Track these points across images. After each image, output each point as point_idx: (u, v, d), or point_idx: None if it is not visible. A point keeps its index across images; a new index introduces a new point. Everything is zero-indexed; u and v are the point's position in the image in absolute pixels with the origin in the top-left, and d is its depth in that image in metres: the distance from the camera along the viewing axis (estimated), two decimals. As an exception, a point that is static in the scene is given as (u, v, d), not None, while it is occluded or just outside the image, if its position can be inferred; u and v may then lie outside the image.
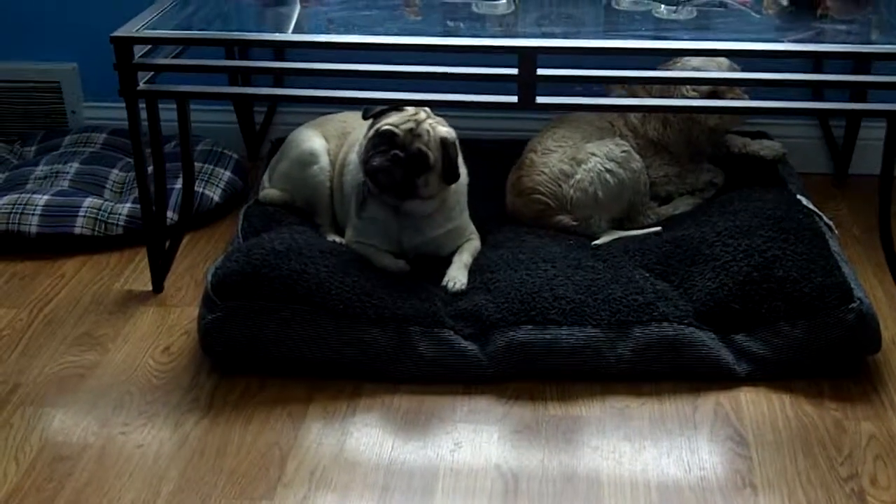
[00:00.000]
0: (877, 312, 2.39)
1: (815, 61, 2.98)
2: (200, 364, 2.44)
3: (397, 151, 2.49)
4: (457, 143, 2.56)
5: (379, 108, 2.55)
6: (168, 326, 2.59)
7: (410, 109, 2.53)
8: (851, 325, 2.34)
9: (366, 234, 2.63)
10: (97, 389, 2.37)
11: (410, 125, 2.50)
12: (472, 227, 2.72)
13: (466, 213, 2.70)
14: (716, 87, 2.72)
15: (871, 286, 2.67)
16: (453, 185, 2.60)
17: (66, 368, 2.44)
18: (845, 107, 2.90)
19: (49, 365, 2.45)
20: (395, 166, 2.50)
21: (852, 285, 2.39)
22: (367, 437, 2.22)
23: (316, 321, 2.37)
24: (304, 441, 2.20)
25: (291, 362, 2.39)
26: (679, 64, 2.76)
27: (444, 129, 2.55)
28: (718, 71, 2.71)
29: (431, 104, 2.52)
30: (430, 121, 2.53)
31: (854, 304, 2.35)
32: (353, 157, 2.66)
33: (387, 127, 2.51)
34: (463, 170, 2.64)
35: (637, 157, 2.81)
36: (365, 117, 2.58)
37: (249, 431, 2.23)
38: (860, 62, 2.86)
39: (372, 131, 2.54)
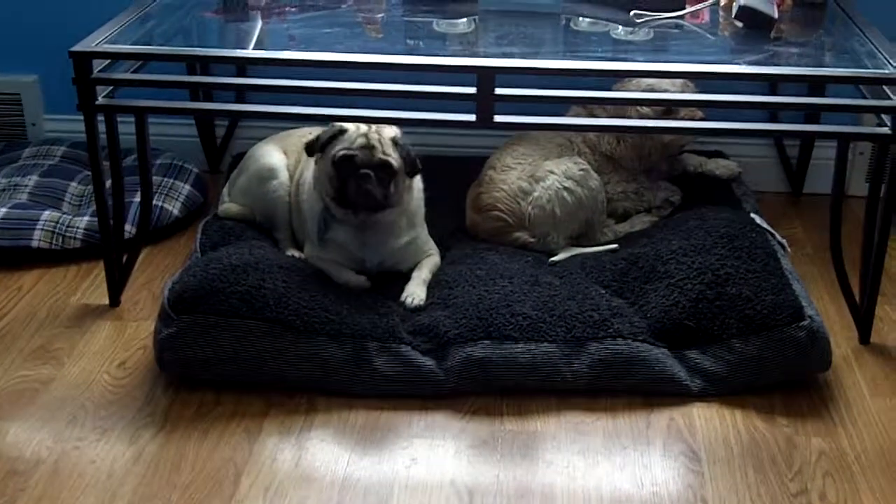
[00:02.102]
0: (828, 330, 2.43)
1: (771, 83, 3.03)
2: (156, 379, 2.43)
3: (365, 171, 2.51)
4: (402, 136, 2.57)
5: (320, 137, 2.55)
6: (124, 341, 2.58)
7: (350, 127, 2.54)
8: (802, 343, 2.37)
9: (326, 252, 2.64)
10: (51, 404, 2.36)
11: (362, 141, 2.52)
12: (431, 243, 2.74)
13: (425, 227, 2.73)
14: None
15: (823, 304, 2.72)
16: (413, 191, 2.63)
17: (20, 382, 2.43)
18: (798, 128, 2.95)
19: (3, 379, 2.44)
20: (371, 185, 2.51)
21: (803, 303, 2.43)
22: (322, 453, 2.22)
23: (273, 336, 2.37)
24: (259, 456, 2.20)
25: (248, 377, 2.39)
26: (633, 83, 2.80)
27: (389, 131, 2.56)
28: (671, 88, 2.75)
29: (391, 122, 2.54)
30: (373, 129, 2.55)
31: (805, 322, 2.38)
32: (308, 177, 2.67)
33: (343, 153, 2.52)
34: (417, 178, 2.66)
35: (595, 175, 2.84)
36: (311, 153, 2.59)
37: (204, 447, 2.22)
38: (814, 85, 2.90)
39: (329, 163, 2.55)
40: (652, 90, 2.74)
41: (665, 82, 2.74)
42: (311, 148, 2.59)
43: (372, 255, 2.65)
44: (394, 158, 2.53)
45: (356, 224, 2.61)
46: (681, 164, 3.05)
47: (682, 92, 2.75)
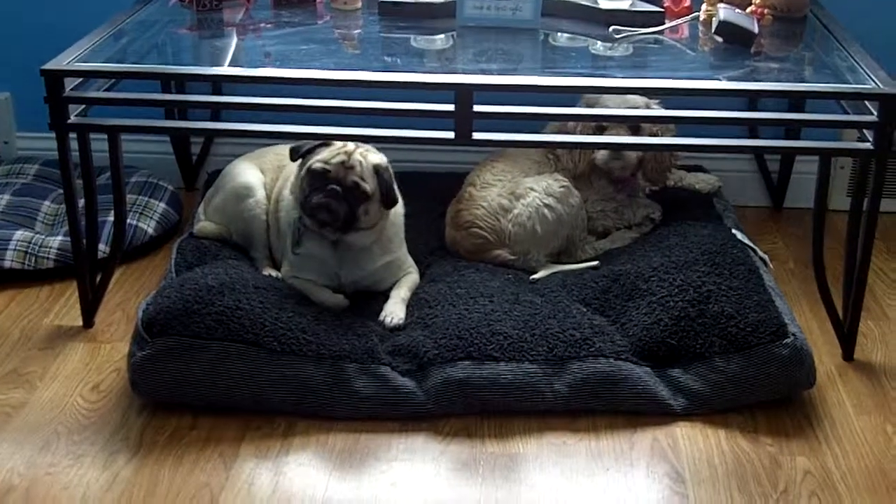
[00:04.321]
0: (811, 347, 2.42)
1: (751, 98, 3.02)
2: (130, 402, 2.39)
3: (334, 186, 2.48)
4: (389, 167, 2.56)
5: (306, 145, 2.54)
6: (98, 363, 2.53)
7: (338, 143, 2.52)
8: (786, 361, 2.36)
9: (303, 269, 2.61)
10: (23, 429, 2.31)
11: (342, 158, 2.50)
12: (410, 261, 2.71)
13: (404, 246, 2.70)
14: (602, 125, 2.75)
15: (806, 320, 2.70)
16: (390, 217, 2.60)
17: (-9, 407, 2.38)
18: (780, 144, 2.94)
19: (-26, 404, 2.39)
20: (335, 201, 2.49)
21: (786, 320, 2.41)
22: (300, 477, 2.18)
23: (249, 358, 2.33)
24: (235, 482, 2.16)
25: (224, 401, 2.35)
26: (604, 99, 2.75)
27: (376, 157, 2.54)
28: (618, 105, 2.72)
29: (369, 139, 2.51)
30: (360, 150, 2.53)
31: (788, 340, 2.36)
32: (287, 194, 2.64)
33: (318, 164, 2.50)
34: (399, 201, 2.64)
35: (575, 192, 2.81)
36: (293, 158, 2.57)
37: (180, 472, 2.18)
38: (794, 100, 2.90)
39: (304, 170, 2.53)
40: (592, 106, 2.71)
41: (625, 104, 2.71)
42: (295, 152, 2.56)
43: (347, 273, 2.62)
44: (368, 184, 2.50)
45: (329, 238, 2.57)
46: (661, 181, 3.01)
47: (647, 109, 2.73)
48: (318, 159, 2.50)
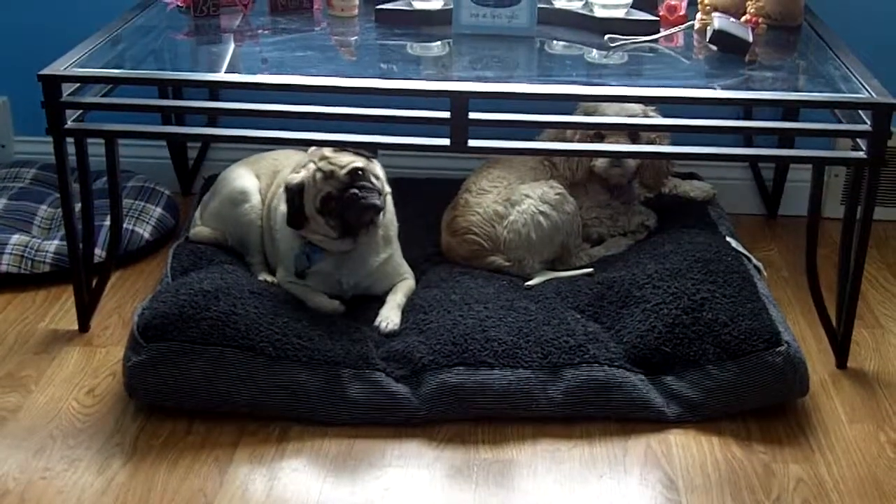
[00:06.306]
0: (805, 355, 2.43)
1: (745, 107, 3.03)
2: (125, 407, 2.39)
3: (350, 193, 2.49)
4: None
5: (289, 210, 2.54)
6: (93, 367, 2.54)
7: (301, 176, 2.52)
8: (779, 369, 2.36)
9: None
10: (19, 433, 2.31)
11: (320, 175, 2.51)
12: (406, 266, 2.72)
13: (399, 247, 2.71)
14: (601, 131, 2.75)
15: (800, 328, 2.71)
16: (385, 206, 2.61)
17: (-14, 411, 2.39)
18: (774, 153, 2.94)
19: (-31, 408, 2.39)
20: (364, 199, 2.50)
21: (780, 329, 2.42)
22: (294, 483, 2.18)
23: (245, 364, 2.34)
24: (230, 487, 2.16)
25: (219, 406, 2.35)
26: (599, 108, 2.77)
27: (325, 150, 2.54)
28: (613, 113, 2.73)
29: (364, 145, 2.52)
30: (316, 156, 2.54)
31: (782, 348, 2.37)
32: (283, 208, 2.62)
33: (321, 197, 2.51)
34: (389, 198, 2.65)
35: (571, 199, 2.82)
36: (300, 226, 2.56)
37: (174, 477, 2.19)
38: (788, 108, 2.91)
39: (313, 214, 2.53)
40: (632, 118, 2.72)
41: (621, 113, 2.72)
42: (296, 221, 2.55)
43: (349, 276, 2.62)
44: (354, 161, 2.52)
45: (348, 249, 2.59)
46: (657, 188, 3.02)
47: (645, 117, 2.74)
48: (313, 196, 2.51)
